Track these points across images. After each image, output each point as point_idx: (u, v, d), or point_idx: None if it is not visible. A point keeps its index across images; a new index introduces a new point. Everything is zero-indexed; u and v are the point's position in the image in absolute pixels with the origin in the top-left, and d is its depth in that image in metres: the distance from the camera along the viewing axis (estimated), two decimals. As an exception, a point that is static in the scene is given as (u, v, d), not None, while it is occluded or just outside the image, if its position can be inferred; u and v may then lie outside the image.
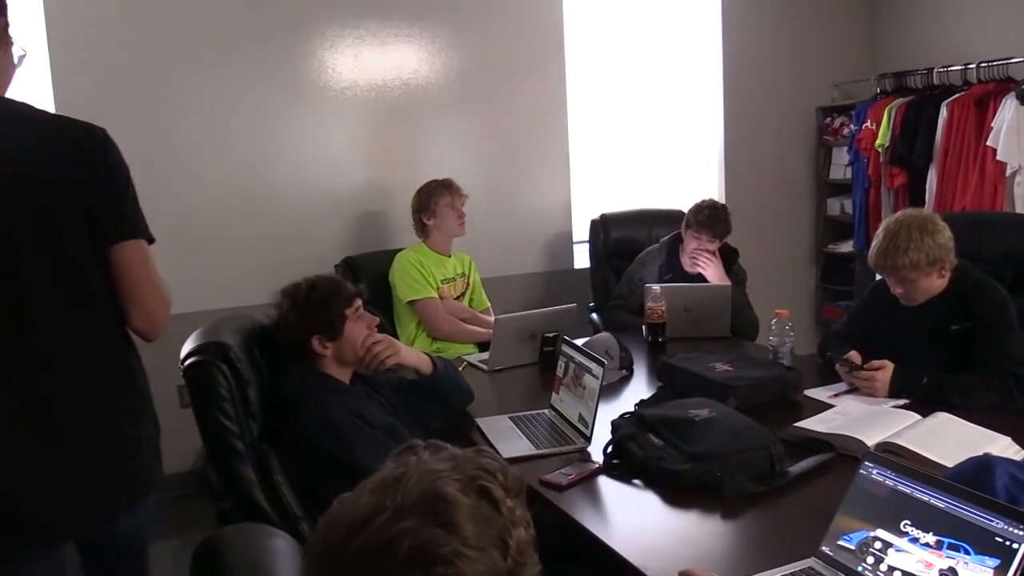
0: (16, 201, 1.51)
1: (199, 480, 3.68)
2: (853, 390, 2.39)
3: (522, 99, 4.37)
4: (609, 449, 1.96)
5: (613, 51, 4.69)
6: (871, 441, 1.90)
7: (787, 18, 5.04)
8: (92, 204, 1.57)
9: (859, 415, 2.11)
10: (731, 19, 4.87)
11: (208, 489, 3.53)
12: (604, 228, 4.14)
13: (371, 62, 4.02)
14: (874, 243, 2.40)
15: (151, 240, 1.69)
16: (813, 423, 2.07)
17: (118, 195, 1.62)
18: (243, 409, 1.85)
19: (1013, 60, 4.22)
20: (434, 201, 3.50)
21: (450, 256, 3.60)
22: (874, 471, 1.46)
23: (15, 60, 1.62)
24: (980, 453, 1.79)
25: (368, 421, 1.98)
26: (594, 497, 1.86)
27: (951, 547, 1.30)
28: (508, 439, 2.14)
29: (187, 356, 1.88)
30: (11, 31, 1.59)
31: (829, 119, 5.23)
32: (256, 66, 3.78)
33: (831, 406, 2.26)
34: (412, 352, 2.31)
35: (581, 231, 4.49)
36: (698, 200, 3.50)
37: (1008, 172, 4.11)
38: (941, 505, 1.34)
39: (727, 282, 3.32)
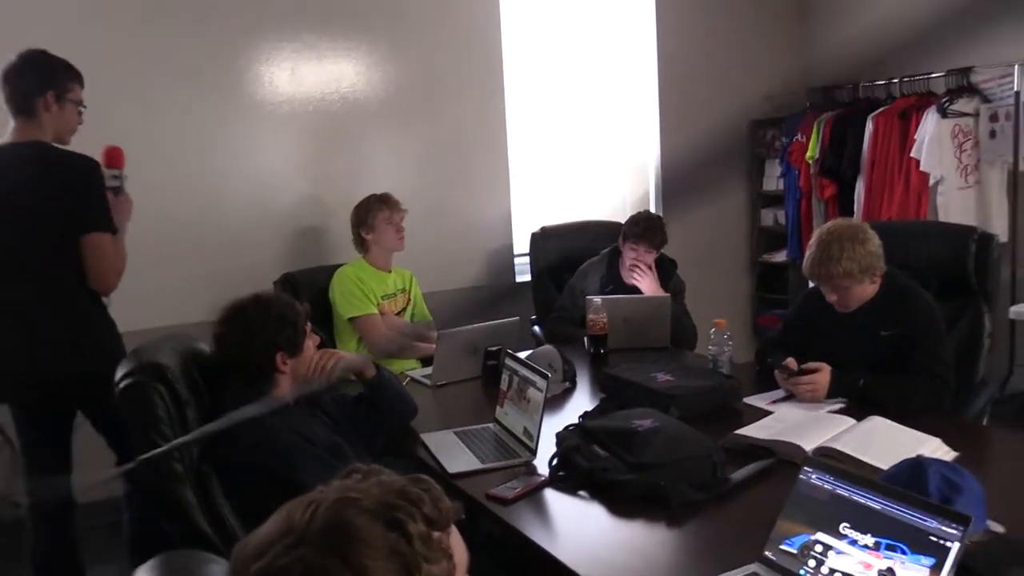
0: (21, 206, 2.45)
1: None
2: (790, 396, 2.44)
3: (461, 113, 4.38)
4: (554, 461, 1.98)
5: (550, 65, 4.73)
6: (809, 446, 1.95)
7: (720, 33, 5.15)
8: (67, 208, 2.45)
9: (797, 421, 2.16)
10: (665, 33, 4.95)
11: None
12: (544, 241, 4.16)
13: (308, 76, 3.99)
14: (808, 253, 2.47)
15: (114, 231, 2.54)
16: (753, 430, 2.10)
17: (86, 202, 2.47)
18: (181, 431, 1.81)
19: (933, 75, 4.39)
20: (372, 216, 3.48)
21: (391, 271, 3.58)
22: (813, 476, 1.50)
23: (79, 116, 2.61)
24: (913, 455, 1.86)
25: (312, 440, 1.95)
26: (541, 510, 1.86)
27: (888, 548, 1.34)
28: (453, 454, 2.14)
29: (122, 377, 1.83)
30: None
31: (762, 132, 5.35)
32: (189, 79, 3.71)
33: (770, 413, 2.31)
34: (354, 355, 2.33)
35: (522, 244, 4.51)
36: (634, 212, 3.57)
37: (931, 182, 4.26)
38: (878, 507, 1.38)
39: (663, 293, 3.37)
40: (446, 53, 4.32)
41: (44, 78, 2.49)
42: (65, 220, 2.45)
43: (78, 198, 2.46)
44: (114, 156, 2.67)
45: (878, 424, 2.08)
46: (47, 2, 3.44)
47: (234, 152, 3.85)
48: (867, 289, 2.44)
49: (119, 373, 1.85)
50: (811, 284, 2.63)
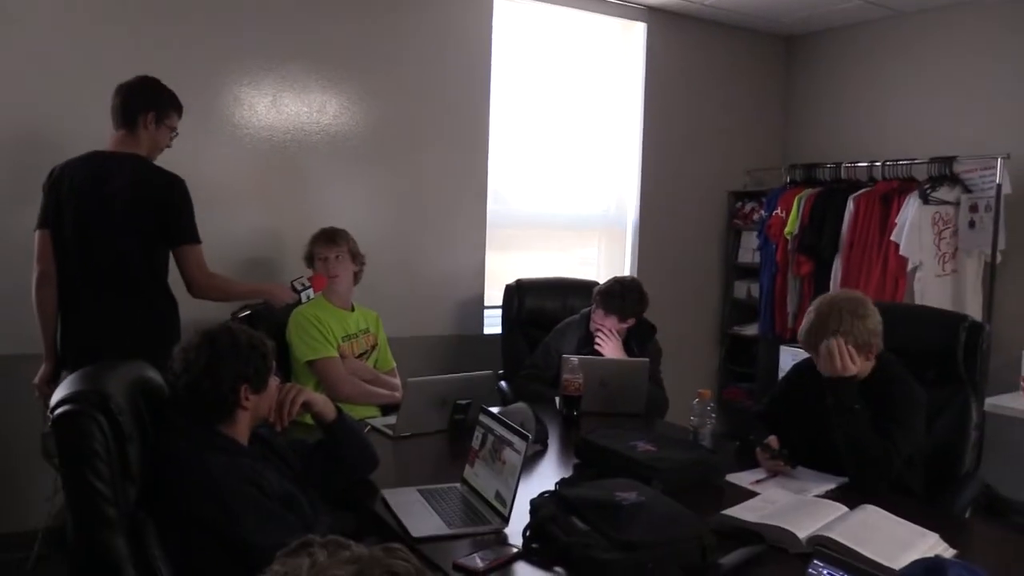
0: (120, 208, 2.68)
1: (59, 539, 3.30)
2: (774, 476, 2.31)
3: (444, 159, 4.28)
4: (528, 532, 1.81)
5: (536, 118, 4.67)
6: (802, 533, 1.81)
7: (706, 103, 5.17)
8: (156, 218, 2.71)
9: (786, 505, 2.02)
10: (652, 95, 4.95)
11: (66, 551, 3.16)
12: (519, 295, 4.02)
13: (290, 105, 3.86)
14: (805, 321, 2.38)
15: (199, 241, 2.81)
16: (741, 511, 1.96)
17: (174, 215, 2.74)
18: (120, 470, 1.61)
19: (916, 161, 4.40)
20: (312, 250, 3.34)
21: (352, 310, 3.40)
22: (824, 571, 1.36)
23: (170, 140, 2.88)
24: (911, 549, 1.74)
25: (263, 489, 1.76)
26: (512, 585, 1.69)
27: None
28: (418, 515, 1.95)
29: (58, 404, 1.63)
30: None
31: (740, 204, 5.33)
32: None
33: (754, 493, 2.17)
34: (317, 394, 2.17)
35: (493, 296, 4.38)
36: (610, 275, 3.44)
37: (909, 267, 4.24)
38: (898, 611, 1.25)
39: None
40: (435, 97, 4.24)
41: (150, 100, 2.77)
42: (155, 231, 2.72)
43: (170, 212, 2.72)
44: (320, 283, 3.18)
45: (872, 514, 1.95)
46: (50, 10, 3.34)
47: (203, 175, 3.67)
48: (861, 366, 2.33)
49: (54, 398, 1.66)
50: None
